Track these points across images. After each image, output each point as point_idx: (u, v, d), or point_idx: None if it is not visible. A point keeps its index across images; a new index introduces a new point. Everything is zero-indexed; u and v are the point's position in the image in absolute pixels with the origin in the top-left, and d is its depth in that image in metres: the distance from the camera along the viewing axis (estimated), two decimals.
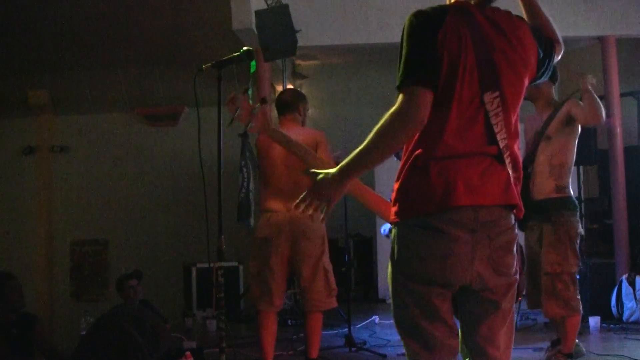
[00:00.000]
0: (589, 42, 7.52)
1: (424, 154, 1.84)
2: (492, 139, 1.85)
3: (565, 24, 7.97)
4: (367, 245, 8.78)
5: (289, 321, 6.24)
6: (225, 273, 3.33)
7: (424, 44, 1.83)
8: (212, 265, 3.29)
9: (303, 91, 10.11)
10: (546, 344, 4.23)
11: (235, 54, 3.36)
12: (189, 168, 9.13)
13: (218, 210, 3.33)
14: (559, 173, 3.91)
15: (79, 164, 10.33)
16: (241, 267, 7.42)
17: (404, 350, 1.93)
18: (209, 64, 3.35)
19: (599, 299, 5.85)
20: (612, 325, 5.60)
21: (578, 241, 3.91)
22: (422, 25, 1.85)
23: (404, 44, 1.86)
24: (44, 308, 9.31)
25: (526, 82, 1.96)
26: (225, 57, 3.38)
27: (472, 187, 1.82)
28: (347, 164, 1.89)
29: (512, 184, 1.90)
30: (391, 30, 8.11)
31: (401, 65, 1.85)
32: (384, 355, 4.64)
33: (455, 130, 1.83)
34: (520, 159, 1.95)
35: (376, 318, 6.35)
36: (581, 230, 3.98)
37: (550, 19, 2.13)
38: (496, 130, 1.84)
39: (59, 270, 10.20)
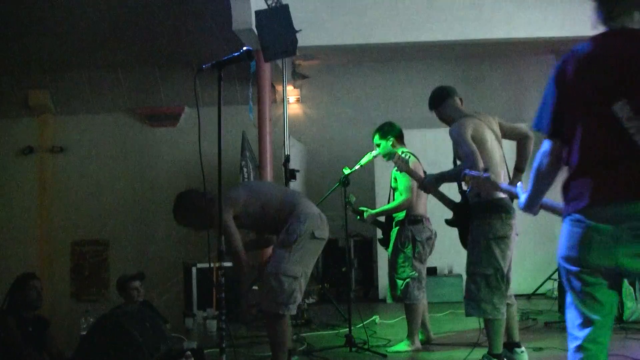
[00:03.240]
0: None
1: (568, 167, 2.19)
2: (627, 142, 2.04)
3: (566, 24, 7.96)
4: (367, 245, 8.76)
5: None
6: (225, 273, 3.33)
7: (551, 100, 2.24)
8: (212, 265, 3.29)
9: (303, 91, 10.17)
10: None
11: (236, 54, 3.35)
12: (189, 168, 9.13)
13: (218, 210, 3.33)
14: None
15: (79, 164, 10.33)
16: None
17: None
18: (210, 64, 3.34)
19: None
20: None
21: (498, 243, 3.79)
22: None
23: None
24: (44, 308, 9.30)
25: None
26: (226, 57, 3.37)
27: (607, 187, 2.06)
28: None
29: None
30: (390, 30, 8.13)
31: None
32: (385, 355, 4.63)
33: (588, 142, 2.11)
34: None
35: (376, 318, 6.34)
36: (508, 232, 3.82)
37: None
38: (632, 131, 2.03)
39: (59, 270, 10.20)
